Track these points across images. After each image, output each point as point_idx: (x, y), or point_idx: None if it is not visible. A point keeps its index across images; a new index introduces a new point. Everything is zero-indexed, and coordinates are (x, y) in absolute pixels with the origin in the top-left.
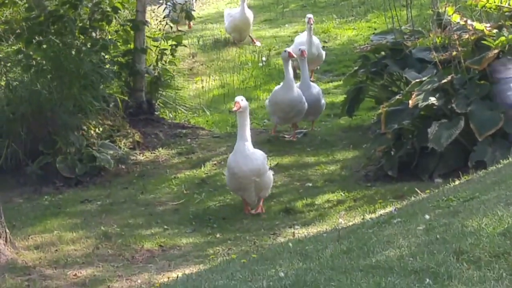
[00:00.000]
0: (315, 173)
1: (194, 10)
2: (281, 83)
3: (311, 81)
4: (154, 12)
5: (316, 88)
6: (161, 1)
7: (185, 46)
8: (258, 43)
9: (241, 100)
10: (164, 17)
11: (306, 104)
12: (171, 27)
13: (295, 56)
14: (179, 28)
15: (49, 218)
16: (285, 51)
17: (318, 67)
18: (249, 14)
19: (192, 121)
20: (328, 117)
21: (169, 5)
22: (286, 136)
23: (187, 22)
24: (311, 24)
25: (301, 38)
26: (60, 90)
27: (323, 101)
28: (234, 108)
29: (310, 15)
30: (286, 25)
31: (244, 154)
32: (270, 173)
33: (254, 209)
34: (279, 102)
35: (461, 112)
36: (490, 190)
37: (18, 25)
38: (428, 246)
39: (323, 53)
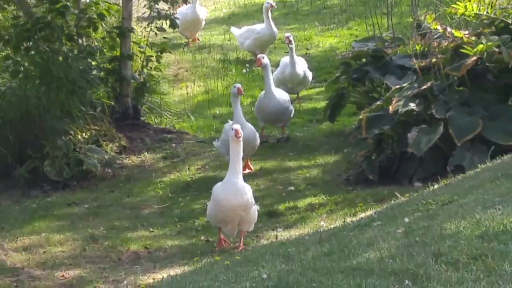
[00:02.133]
0: (298, 177)
1: (178, 18)
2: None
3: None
4: (139, 19)
5: (282, 96)
6: (146, 9)
7: (170, 52)
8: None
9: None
10: (148, 24)
11: (291, 107)
12: (156, 34)
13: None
14: (186, 38)
15: (37, 220)
16: (234, 86)
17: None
18: (201, 12)
19: (177, 126)
20: (310, 123)
21: (154, 12)
22: (270, 140)
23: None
24: (291, 45)
25: (287, 59)
26: (47, 95)
27: (291, 107)
28: (238, 135)
29: (288, 34)
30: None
31: (235, 187)
32: (255, 208)
33: (232, 242)
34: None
35: (440, 118)
36: (468, 194)
37: (6, 31)
38: (408, 248)
39: (310, 74)
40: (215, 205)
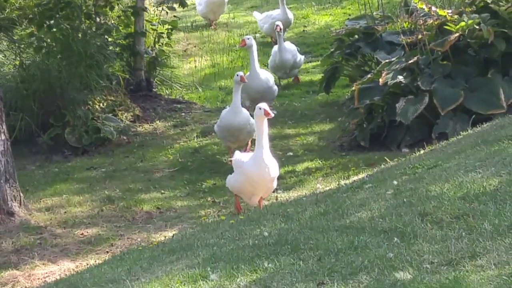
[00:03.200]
0: (296, 143)
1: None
2: (227, 107)
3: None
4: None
5: (266, 75)
6: None
7: (180, 30)
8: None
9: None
10: (160, 4)
11: (275, 87)
12: (167, 13)
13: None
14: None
15: (59, 183)
16: (237, 74)
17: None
18: None
19: (186, 97)
20: (308, 94)
21: None
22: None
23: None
24: (280, 32)
25: (277, 47)
26: (68, 69)
27: (274, 87)
28: (270, 116)
29: (278, 23)
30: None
31: (265, 162)
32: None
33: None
34: (228, 126)
35: (426, 89)
36: (451, 159)
37: (31, 11)
38: (396, 208)
39: (301, 57)
40: (244, 180)
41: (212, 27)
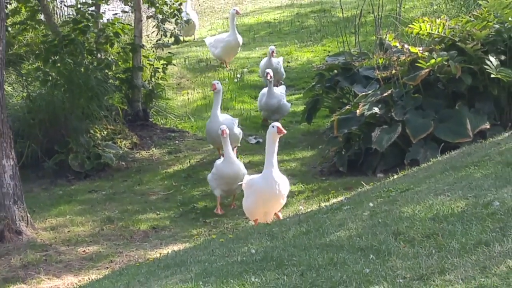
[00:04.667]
0: (280, 169)
1: (181, 35)
2: (221, 158)
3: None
4: (148, 37)
5: (227, 119)
6: (155, 29)
7: (174, 65)
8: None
9: (217, 83)
10: (156, 41)
11: (236, 129)
12: (163, 50)
13: (217, 89)
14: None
15: (63, 205)
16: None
17: (282, 82)
18: (240, 38)
19: (179, 126)
20: (291, 123)
21: (161, 31)
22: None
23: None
24: (271, 79)
25: (266, 90)
26: (71, 100)
27: (235, 130)
28: (282, 133)
29: (268, 71)
30: (257, 48)
31: (276, 180)
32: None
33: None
34: (223, 176)
35: (399, 120)
36: (422, 183)
37: (37, 47)
38: (372, 228)
39: (287, 105)
40: (256, 199)
41: (226, 68)
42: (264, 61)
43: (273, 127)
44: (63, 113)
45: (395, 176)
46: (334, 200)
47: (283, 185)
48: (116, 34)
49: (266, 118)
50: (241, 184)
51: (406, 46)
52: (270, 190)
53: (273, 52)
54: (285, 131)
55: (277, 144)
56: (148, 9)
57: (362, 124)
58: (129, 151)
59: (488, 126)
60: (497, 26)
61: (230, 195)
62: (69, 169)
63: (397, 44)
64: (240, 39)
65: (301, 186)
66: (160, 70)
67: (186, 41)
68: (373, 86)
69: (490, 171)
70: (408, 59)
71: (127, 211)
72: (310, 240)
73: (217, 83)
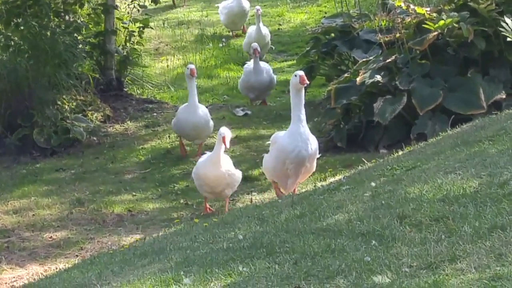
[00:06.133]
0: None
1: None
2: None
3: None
4: None
5: (204, 110)
6: None
7: (152, 28)
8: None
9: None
10: (132, 1)
11: (211, 122)
12: (138, 10)
13: (196, 74)
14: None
15: (27, 185)
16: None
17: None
18: (246, 4)
19: (157, 97)
20: (283, 93)
21: None
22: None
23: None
24: (257, 54)
25: (250, 66)
26: (36, 68)
27: (211, 122)
28: (304, 83)
29: (255, 45)
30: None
31: (303, 137)
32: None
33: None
34: (201, 178)
35: (404, 89)
36: (430, 160)
37: None
38: (374, 211)
39: (274, 78)
40: (279, 157)
41: (233, 37)
42: (251, 29)
43: (295, 76)
44: (27, 82)
45: (400, 153)
46: (332, 179)
47: (312, 145)
48: None
49: (253, 99)
50: (232, 188)
51: (411, 6)
52: (295, 149)
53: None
54: (308, 82)
55: (303, 95)
56: None
57: (362, 94)
58: (101, 125)
59: (504, 96)
60: None
61: (221, 198)
62: (34, 145)
63: (402, 4)
64: (246, 4)
65: None
66: (136, 33)
67: (166, 0)
68: (375, 52)
69: (506, 147)
70: (414, 21)
71: (99, 192)
72: (304, 224)
73: (193, 68)
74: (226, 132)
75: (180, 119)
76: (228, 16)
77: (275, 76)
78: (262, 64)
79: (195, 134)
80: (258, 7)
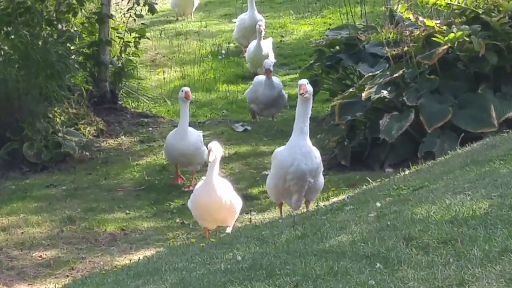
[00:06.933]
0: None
1: (156, 4)
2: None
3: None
4: (118, 5)
5: (194, 135)
6: None
7: (148, 38)
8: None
9: (307, 84)
10: (128, 10)
11: (203, 148)
12: (135, 20)
13: (191, 98)
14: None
15: (16, 201)
16: (182, 90)
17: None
18: (259, 16)
19: (153, 111)
20: (285, 108)
21: None
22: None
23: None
24: (271, 71)
25: (261, 78)
26: (27, 79)
27: (203, 148)
28: (301, 91)
29: (267, 61)
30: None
31: (303, 150)
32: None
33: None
34: (201, 205)
35: (412, 105)
36: (438, 180)
37: None
38: (379, 232)
39: (285, 96)
40: (279, 173)
41: (243, 54)
42: (252, 45)
43: (182, 91)
44: (17, 93)
45: (407, 172)
46: (335, 199)
47: (313, 159)
48: (80, 2)
49: (257, 113)
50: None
51: (420, 18)
52: (293, 163)
53: (260, 26)
54: (307, 90)
55: (309, 106)
56: None
57: (368, 110)
58: (94, 139)
59: None
60: None
61: (222, 225)
62: (24, 159)
63: (411, 16)
64: (259, 17)
65: None
66: (132, 44)
67: (163, 11)
68: (381, 66)
69: None
70: (423, 33)
71: (91, 209)
72: (306, 245)
73: (188, 90)
74: (214, 146)
75: (168, 145)
76: (239, 29)
77: (286, 95)
78: (275, 79)
79: (185, 161)
80: (260, 22)
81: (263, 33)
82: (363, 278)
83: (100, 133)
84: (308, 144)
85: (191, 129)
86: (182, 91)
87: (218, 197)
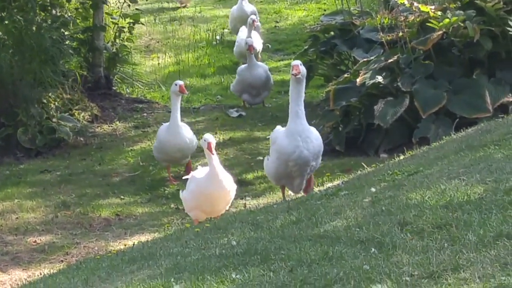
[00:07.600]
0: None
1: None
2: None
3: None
4: None
5: (187, 128)
6: None
7: (142, 24)
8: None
9: (300, 65)
10: None
11: (195, 142)
12: (129, 5)
13: (186, 92)
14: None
15: (10, 187)
16: (175, 84)
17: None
18: (247, 6)
19: (148, 96)
20: (279, 94)
21: None
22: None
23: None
24: (252, 52)
25: (244, 65)
26: (21, 64)
27: (195, 141)
28: (293, 72)
29: (253, 17)
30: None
31: (303, 134)
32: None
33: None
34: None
35: (406, 91)
36: (433, 165)
37: None
38: (374, 217)
39: (271, 77)
40: (281, 159)
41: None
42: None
43: (175, 84)
44: (11, 79)
45: (401, 157)
46: (330, 184)
47: (314, 142)
48: None
49: (249, 102)
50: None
51: (415, 3)
52: (295, 150)
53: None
54: (300, 71)
55: (302, 88)
56: None
57: (362, 95)
58: (88, 125)
59: (511, 99)
60: None
61: (214, 216)
62: (18, 145)
63: (405, 2)
64: (247, 8)
65: None
66: (126, 29)
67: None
68: (376, 51)
69: None
70: (418, 19)
71: (85, 195)
72: (301, 230)
73: (182, 84)
74: (211, 139)
75: (162, 142)
76: (230, 21)
77: (271, 76)
78: (259, 62)
79: (180, 155)
80: (253, 17)
81: (258, 29)
82: (357, 263)
83: (94, 119)
84: (306, 128)
85: (181, 123)
86: (176, 84)
87: (225, 187)
